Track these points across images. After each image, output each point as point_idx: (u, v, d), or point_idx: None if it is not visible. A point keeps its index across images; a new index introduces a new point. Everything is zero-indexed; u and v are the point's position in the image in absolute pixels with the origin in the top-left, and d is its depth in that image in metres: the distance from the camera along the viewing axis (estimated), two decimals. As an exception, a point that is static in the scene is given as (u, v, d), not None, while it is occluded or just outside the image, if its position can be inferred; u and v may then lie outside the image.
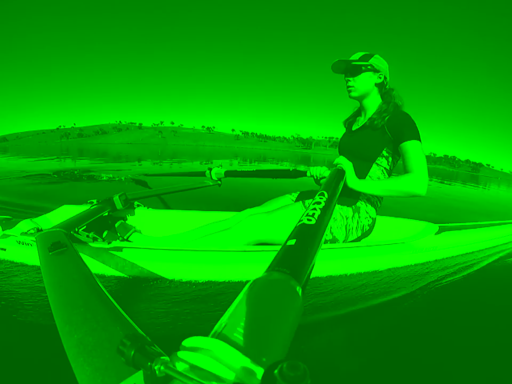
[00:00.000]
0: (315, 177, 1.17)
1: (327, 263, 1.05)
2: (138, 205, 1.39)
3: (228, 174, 1.60)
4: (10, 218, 1.14)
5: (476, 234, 1.43)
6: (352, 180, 0.91)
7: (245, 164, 8.24)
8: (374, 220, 1.12)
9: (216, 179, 1.65)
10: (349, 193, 1.04)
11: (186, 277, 0.96)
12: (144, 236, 1.20)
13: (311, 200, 0.52)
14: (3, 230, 0.99)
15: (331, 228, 1.04)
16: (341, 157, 0.94)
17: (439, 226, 1.32)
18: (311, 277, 1.02)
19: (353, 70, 1.06)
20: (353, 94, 1.09)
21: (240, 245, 0.98)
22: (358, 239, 1.10)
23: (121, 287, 0.91)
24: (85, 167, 4.71)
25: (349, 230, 1.06)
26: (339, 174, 0.84)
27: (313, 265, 0.36)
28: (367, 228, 1.10)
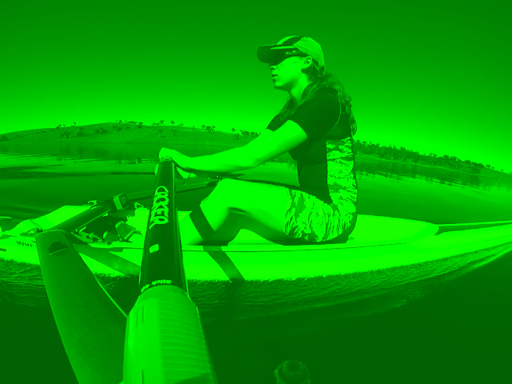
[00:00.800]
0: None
1: (327, 263, 1.06)
2: (138, 206, 1.39)
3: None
4: (10, 219, 1.14)
5: (476, 234, 1.43)
6: (183, 161, 0.90)
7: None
8: (354, 216, 1.06)
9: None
10: (325, 190, 1.02)
11: (186, 277, 0.96)
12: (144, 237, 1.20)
13: (158, 196, 0.48)
14: (3, 230, 0.99)
15: (311, 222, 0.98)
16: (162, 149, 0.94)
17: (439, 227, 1.32)
18: (310, 277, 1.03)
19: (277, 57, 0.96)
20: (277, 83, 1.00)
21: (216, 209, 0.95)
22: (340, 237, 1.05)
23: (121, 287, 0.91)
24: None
25: (330, 228, 1.00)
26: (167, 164, 0.82)
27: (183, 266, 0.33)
28: (349, 224, 1.04)
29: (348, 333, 0.77)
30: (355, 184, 1.07)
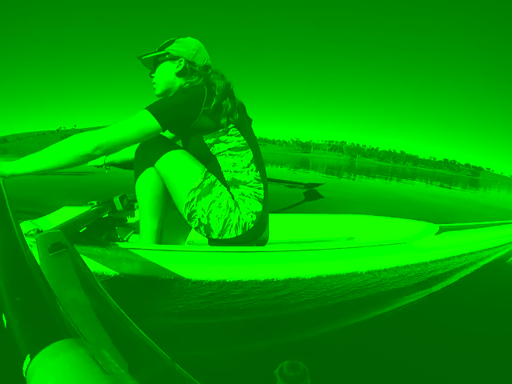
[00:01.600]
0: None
1: (327, 263, 1.06)
2: (138, 206, 1.39)
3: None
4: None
5: (477, 234, 1.43)
6: (4, 167, 0.72)
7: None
8: (259, 215, 0.96)
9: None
10: (227, 187, 0.96)
11: (186, 277, 0.96)
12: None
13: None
14: (3, 231, 0.99)
15: (210, 212, 0.90)
16: None
17: (439, 227, 1.32)
18: (310, 277, 1.03)
19: (153, 64, 0.94)
20: (156, 91, 0.96)
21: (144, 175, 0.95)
22: (240, 239, 0.95)
23: (121, 287, 0.91)
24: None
25: (227, 226, 0.92)
26: None
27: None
28: (251, 225, 0.94)
29: (348, 333, 0.77)
30: (259, 178, 0.97)
